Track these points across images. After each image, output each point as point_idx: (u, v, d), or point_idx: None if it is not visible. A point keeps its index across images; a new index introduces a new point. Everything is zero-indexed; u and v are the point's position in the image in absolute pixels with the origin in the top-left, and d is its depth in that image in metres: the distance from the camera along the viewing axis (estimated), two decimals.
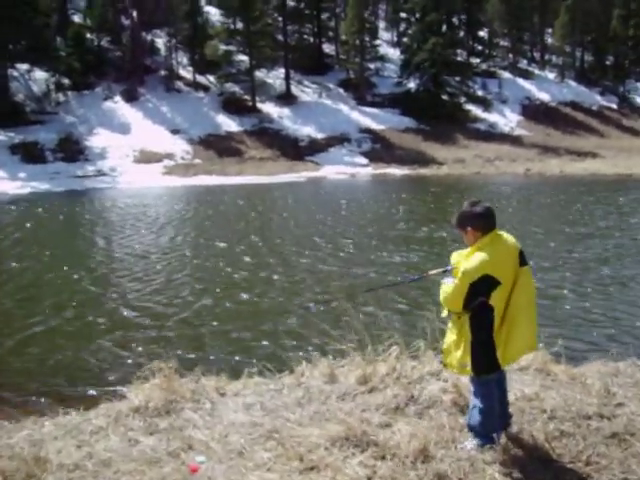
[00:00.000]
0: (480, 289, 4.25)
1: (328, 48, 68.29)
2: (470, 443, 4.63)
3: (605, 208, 23.62)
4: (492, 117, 59.64)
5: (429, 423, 5.03)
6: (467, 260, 4.36)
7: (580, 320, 10.06)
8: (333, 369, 6.22)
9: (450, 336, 4.58)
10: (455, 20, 64.05)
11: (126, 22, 58.08)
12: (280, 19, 60.28)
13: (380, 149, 50.61)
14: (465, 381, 5.58)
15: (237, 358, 8.15)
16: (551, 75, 71.27)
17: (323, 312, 9.42)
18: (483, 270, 4.24)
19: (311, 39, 66.93)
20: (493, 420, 4.59)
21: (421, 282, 11.59)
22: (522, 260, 4.44)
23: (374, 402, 5.47)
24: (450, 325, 4.60)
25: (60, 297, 11.91)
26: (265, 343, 8.92)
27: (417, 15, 59.20)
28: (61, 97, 50.51)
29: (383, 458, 4.52)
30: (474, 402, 4.61)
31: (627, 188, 31.52)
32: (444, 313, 4.63)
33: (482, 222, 4.38)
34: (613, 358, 6.70)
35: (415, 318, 8.81)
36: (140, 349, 7.30)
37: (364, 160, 48.62)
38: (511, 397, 5.21)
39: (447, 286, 4.43)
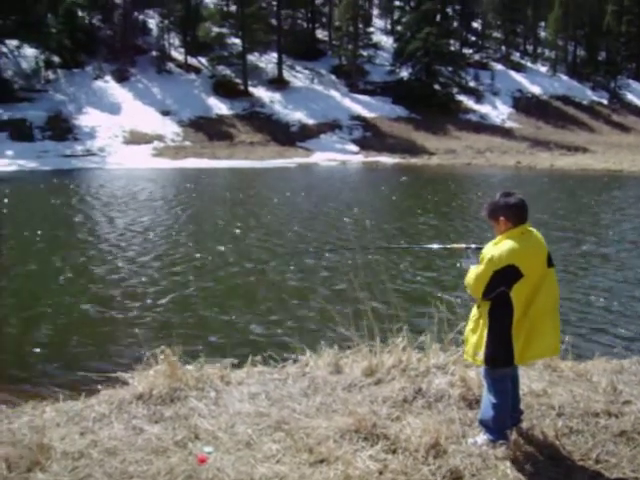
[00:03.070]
0: (503, 278, 4.18)
1: (321, 34, 68.03)
2: (481, 438, 4.56)
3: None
4: (483, 108, 59.71)
5: (439, 417, 4.95)
6: (494, 247, 4.30)
7: (584, 316, 9.93)
8: (338, 359, 6.12)
9: (470, 324, 4.53)
10: (449, 10, 64.10)
11: (118, 0, 57.47)
12: (274, 3, 59.91)
13: (371, 137, 50.52)
14: (473, 375, 5.53)
15: (240, 346, 8.02)
16: (543, 68, 71.41)
17: (331, 299, 9.27)
18: (509, 259, 4.17)
19: (304, 24, 66.78)
20: (505, 416, 4.52)
21: (433, 274, 11.70)
22: (549, 261, 4.39)
23: (381, 394, 5.38)
24: (472, 313, 4.54)
25: (53, 278, 11.75)
26: (267, 331, 8.80)
27: (412, 3, 59.14)
28: (51, 75, 50.03)
29: (394, 452, 4.43)
30: (487, 397, 4.54)
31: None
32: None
33: (515, 213, 4.32)
34: (617, 355, 6.68)
35: (422, 309, 8.74)
36: (139, 335, 7.18)
37: (355, 148, 48.55)
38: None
39: (472, 270, 4.38)
